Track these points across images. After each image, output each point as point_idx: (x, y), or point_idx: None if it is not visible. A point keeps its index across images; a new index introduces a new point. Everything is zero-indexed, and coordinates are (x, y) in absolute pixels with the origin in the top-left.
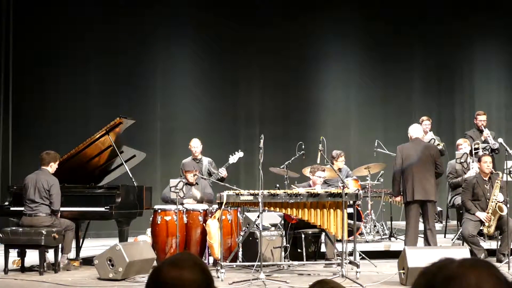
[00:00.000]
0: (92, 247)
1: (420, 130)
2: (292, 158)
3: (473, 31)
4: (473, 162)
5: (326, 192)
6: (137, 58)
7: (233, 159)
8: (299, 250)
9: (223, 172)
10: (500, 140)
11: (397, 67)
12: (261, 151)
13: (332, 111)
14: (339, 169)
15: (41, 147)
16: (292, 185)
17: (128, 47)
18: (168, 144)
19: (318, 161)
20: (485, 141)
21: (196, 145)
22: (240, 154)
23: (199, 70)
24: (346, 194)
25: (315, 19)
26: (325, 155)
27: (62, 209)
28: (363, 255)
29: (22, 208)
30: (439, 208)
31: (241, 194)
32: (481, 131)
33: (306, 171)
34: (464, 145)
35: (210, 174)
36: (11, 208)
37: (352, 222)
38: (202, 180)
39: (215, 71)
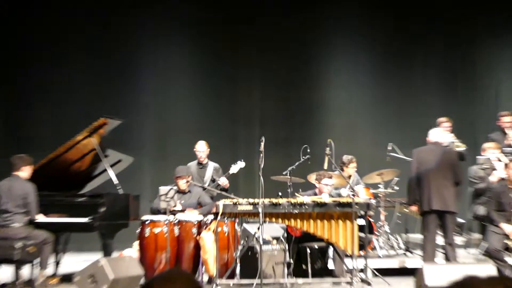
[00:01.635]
0: (73, 262)
1: (441, 135)
2: (296, 164)
3: (496, 23)
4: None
5: (334, 201)
6: (127, 54)
7: (234, 169)
8: (303, 267)
9: (222, 180)
10: None
11: (411, 63)
12: (261, 155)
13: (340, 111)
14: (349, 177)
15: (19, 151)
16: (296, 194)
17: (118, 41)
18: (159, 148)
19: (325, 167)
20: (510, 145)
21: (201, 148)
22: (241, 164)
23: (195, 67)
24: (356, 203)
25: (319, 14)
26: (333, 160)
27: (39, 219)
28: (376, 272)
29: None
30: (460, 220)
31: (239, 204)
32: (505, 134)
33: (312, 178)
34: (491, 150)
35: (213, 181)
36: None
37: (363, 235)
38: (196, 187)
39: (212, 69)
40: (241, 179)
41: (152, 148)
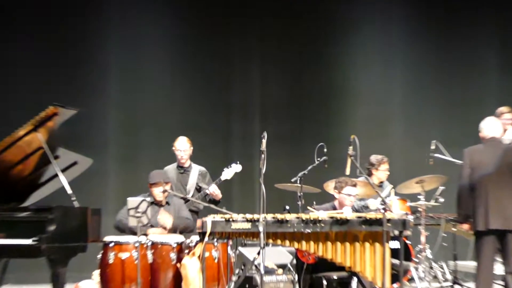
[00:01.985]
0: None
1: (499, 127)
2: (309, 168)
3: None
4: None
5: (358, 217)
6: (86, 26)
7: (227, 174)
8: None
9: (212, 189)
10: None
11: (462, 37)
12: (263, 156)
13: (366, 100)
14: (380, 184)
15: None
16: (308, 207)
17: (74, 9)
18: (127, 147)
19: (348, 172)
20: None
21: (182, 146)
22: (236, 167)
23: (176, 43)
24: (388, 220)
25: None
26: (357, 162)
27: None
28: None
29: None
30: None
31: (233, 220)
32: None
33: (330, 187)
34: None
35: (199, 190)
36: None
37: (397, 262)
38: (176, 199)
39: (199, 46)
40: (236, 187)
41: (118, 147)
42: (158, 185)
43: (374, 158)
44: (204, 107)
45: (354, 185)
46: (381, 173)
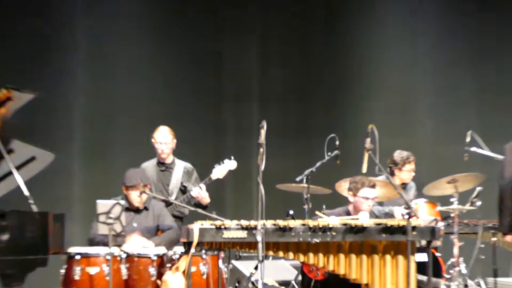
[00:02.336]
0: None
1: None
2: (317, 164)
3: None
4: None
5: (377, 224)
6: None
7: (218, 172)
8: None
9: (196, 192)
10: None
11: (500, 10)
12: (261, 150)
13: (387, 85)
14: (403, 185)
15: None
16: (317, 212)
17: None
18: (97, 140)
19: (364, 169)
20: None
21: (163, 138)
22: (230, 164)
23: (155, 14)
24: (414, 228)
25: None
26: (376, 159)
27: None
28: None
29: None
30: None
31: (225, 228)
32: None
33: (343, 188)
34: None
35: (184, 191)
36: None
37: (424, 278)
38: (156, 202)
39: (184, 21)
40: (230, 188)
41: (86, 141)
42: (135, 188)
43: (398, 155)
44: (190, 94)
45: (373, 186)
46: (405, 174)
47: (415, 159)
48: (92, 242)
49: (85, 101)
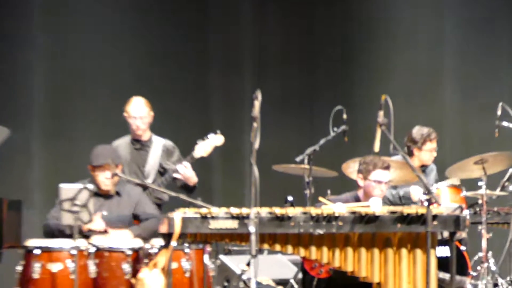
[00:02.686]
0: None
1: None
2: (321, 142)
3: None
4: None
5: (392, 212)
6: None
7: (202, 149)
8: None
9: (181, 169)
10: None
11: None
12: (255, 125)
13: (405, 48)
14: (422, 167)
15: None
16: (321, 198)
17: None
18: (60, 117)
19: (377, 148)
20: None
21: (137, 112)
22: (216, 139)
23: None
24: (435, 217)
25: None
26: (391, 135)
27: None
28: None
29: None
30: None
31: (212, 217)
32: None
33: (351, 169)
34: None
35: (163, 173)
36: None
37: (447, 276)
38: (131, 187)
39: None
40: (217, 169)
41: (47, 116)
42: (104, 168)
43: (417, 132)
44: (170, 58)
45: (387, 168)
46: (426, 154)
47: (437, 137)
48: (46, 231)
49: (44, 69)
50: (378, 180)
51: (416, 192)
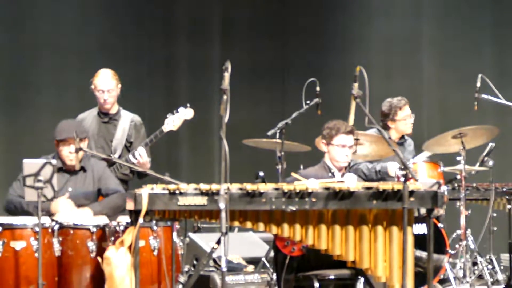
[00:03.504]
0: None
1: None
2: (294, 115)
3: None
4: None
5: (367, 188)
6: None
7: (171, 122)
8: None
9: (140, 153)
10: None
11: None
12: (225, 98)
13: (381, 14)
14: (401, 139)
15: None
16: (293, 174)
17: None
18: (18, 87)
19: (351, 120)
20: None
21: (106, 85)
22: (186, 113)
23: None
24: (412, 193)
25: None
26: (366, 108)
27: None
28: None
29: None
30: None
31: (180, 193)
32: None
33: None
34: None
35: (129, 149)
36: None
37: (424, 254)
38: (96, 162)
39: None
40: (186, 144)
41: (3, 86)
42: (68, 142)
43: (387, 104)
44: (134, 26)
45: (350, 132)
46: (401, 123)
47: (408, 102)
48: (9, 208)
49: (7, 39)
50: (342, 144)
51: (394, 168)
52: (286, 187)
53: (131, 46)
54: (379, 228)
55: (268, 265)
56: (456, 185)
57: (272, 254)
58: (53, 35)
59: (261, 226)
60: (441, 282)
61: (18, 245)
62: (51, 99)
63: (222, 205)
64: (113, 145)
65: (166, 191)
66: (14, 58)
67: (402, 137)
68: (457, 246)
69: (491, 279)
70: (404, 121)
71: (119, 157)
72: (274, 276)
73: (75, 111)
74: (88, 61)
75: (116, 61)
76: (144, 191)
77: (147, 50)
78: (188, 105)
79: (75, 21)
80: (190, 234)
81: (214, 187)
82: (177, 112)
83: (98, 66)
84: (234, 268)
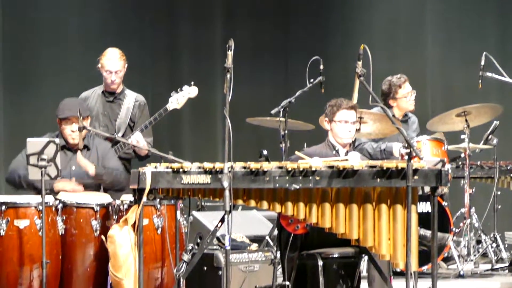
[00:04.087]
0: None
1: None
2: (297, 94)
3: None
4: None
5: (371, 167)
6: None
7: (175, 101)
8: None
9: (136, 138)
10: None
11: None
12: (228, 76)
13: None
14: (405, 117)
15: None
16: (297, 152)
17: None
18: (23, 68)
19: (355, 99)
20: None
21: (114, 66)
22: (190, 91)
23: None
24: (416, 171)
25: None
26: (370, 87)
27: None
28: None
29: None
30: None
31: (184, 171)
32: None
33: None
34: None
35: (132, 128)
36: None
37: (428, 233)
38: (100, 141)
39: None
40: (189, 122)
41: (7, 67)
42: (71, 120)
43: (386, 83)
44: (139, 9)
45: (352, 107)
46: (403, 101)
47: (407, 79)
48: (12, 177)
49: (3, 19)
50: (344, 119)
51: (397, 147)
52: (289, 165)
53: (133, 28)
54: (383, 206)
55: (271, 243)
56: (460, 163)
57: (275, 232)
58: (56, 18)
59: (264, 204)
60: (445, 260)
61: (22, 223)
62: (54, 79)
63: (225, 184)
64: (117, 124)
65: (170, 170)
66: (20, 38)
67: (406, 115)
68: (461, 224)
69: (495, 257)
70: (405, 98)
71: (123, 136)
72: (278, 254)
73: (77, 94)
74: (92, 43)
75: (119, 43)
76: (148, 170)
77: (150, 31)
78: (193, 83)
79: (78, 4)
80: (194, 213)
81: (217, 165)
82: (181, 90)
83: (100, 48)
84: (237, 247)
